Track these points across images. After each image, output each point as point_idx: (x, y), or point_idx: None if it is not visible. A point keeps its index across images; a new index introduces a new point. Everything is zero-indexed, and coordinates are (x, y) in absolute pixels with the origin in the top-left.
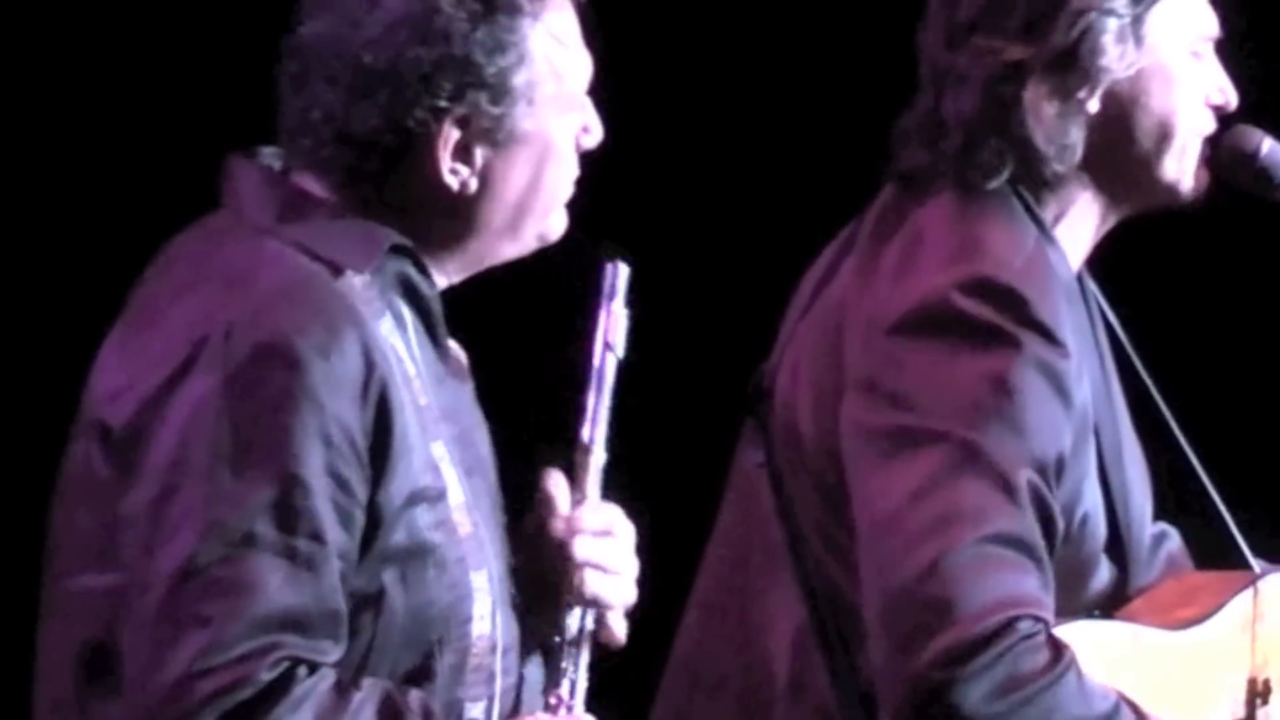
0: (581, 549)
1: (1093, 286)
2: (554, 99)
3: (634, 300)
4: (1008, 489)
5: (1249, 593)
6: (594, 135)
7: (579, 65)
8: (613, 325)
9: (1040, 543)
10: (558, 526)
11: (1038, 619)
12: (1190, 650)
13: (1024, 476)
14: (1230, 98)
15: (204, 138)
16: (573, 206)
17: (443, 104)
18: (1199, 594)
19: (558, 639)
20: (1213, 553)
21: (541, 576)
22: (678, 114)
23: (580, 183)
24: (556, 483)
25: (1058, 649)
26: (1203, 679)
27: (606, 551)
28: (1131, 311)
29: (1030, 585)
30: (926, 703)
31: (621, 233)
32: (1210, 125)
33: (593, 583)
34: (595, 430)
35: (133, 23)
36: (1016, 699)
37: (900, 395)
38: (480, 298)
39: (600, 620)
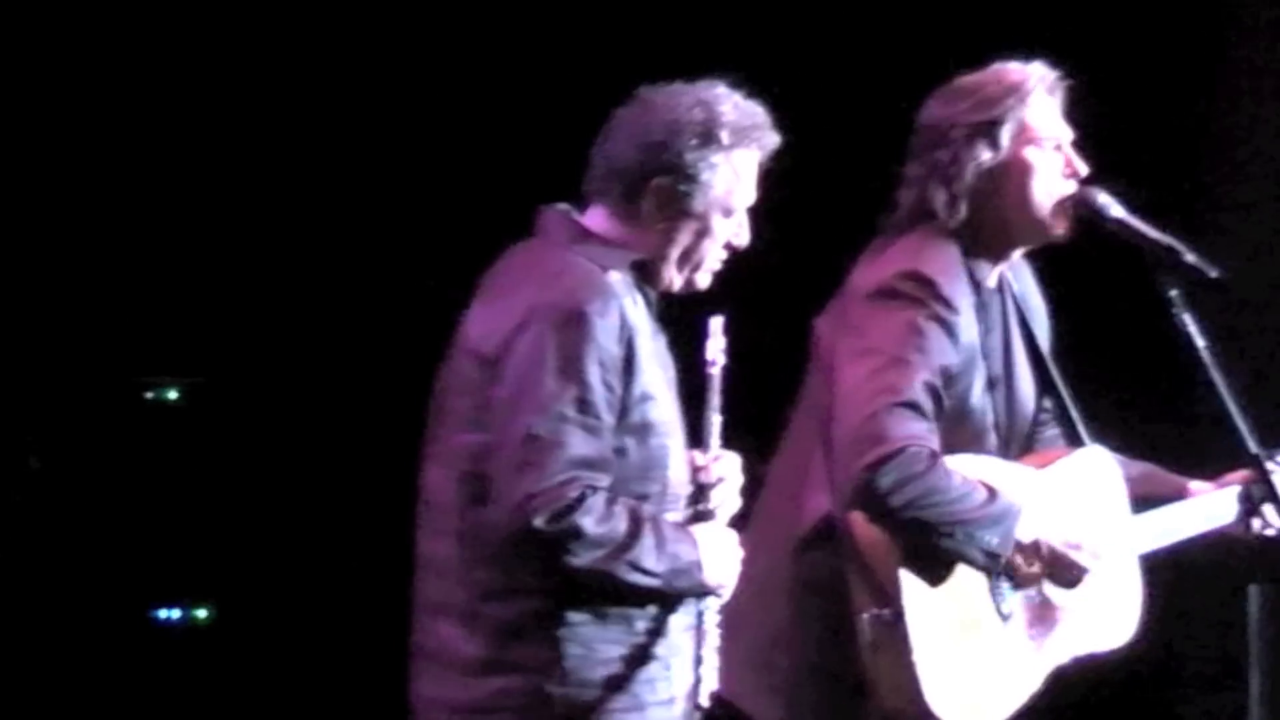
0: (708, 486)
1: (1018, 289)
2: (719, 203)
3: (727, 333)
4: (912, 380)
5: (1078, 454)
6: (741, 241)
7: (743, 192)
8: (714, 350)
9: (930, 408)
10: (698, 470)
11: (922, 445)
12: (1037, 476)
13: (923, 376)
14: (1079, 168)
15: (522, 190)
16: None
17: (656, 168)
18: (1051, 456)
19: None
20: (1071, 441)
21: None
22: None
23: None
24: (697, 454)
25: (935, 457)
26: (1044, 491)
27: (721, 491)
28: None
29: (921, 429)
30: (861, 490)
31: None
32: (1067, 189)
33: (713, 503)
34: (714, 413)
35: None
36: (911, 485)
37: (863, 330)
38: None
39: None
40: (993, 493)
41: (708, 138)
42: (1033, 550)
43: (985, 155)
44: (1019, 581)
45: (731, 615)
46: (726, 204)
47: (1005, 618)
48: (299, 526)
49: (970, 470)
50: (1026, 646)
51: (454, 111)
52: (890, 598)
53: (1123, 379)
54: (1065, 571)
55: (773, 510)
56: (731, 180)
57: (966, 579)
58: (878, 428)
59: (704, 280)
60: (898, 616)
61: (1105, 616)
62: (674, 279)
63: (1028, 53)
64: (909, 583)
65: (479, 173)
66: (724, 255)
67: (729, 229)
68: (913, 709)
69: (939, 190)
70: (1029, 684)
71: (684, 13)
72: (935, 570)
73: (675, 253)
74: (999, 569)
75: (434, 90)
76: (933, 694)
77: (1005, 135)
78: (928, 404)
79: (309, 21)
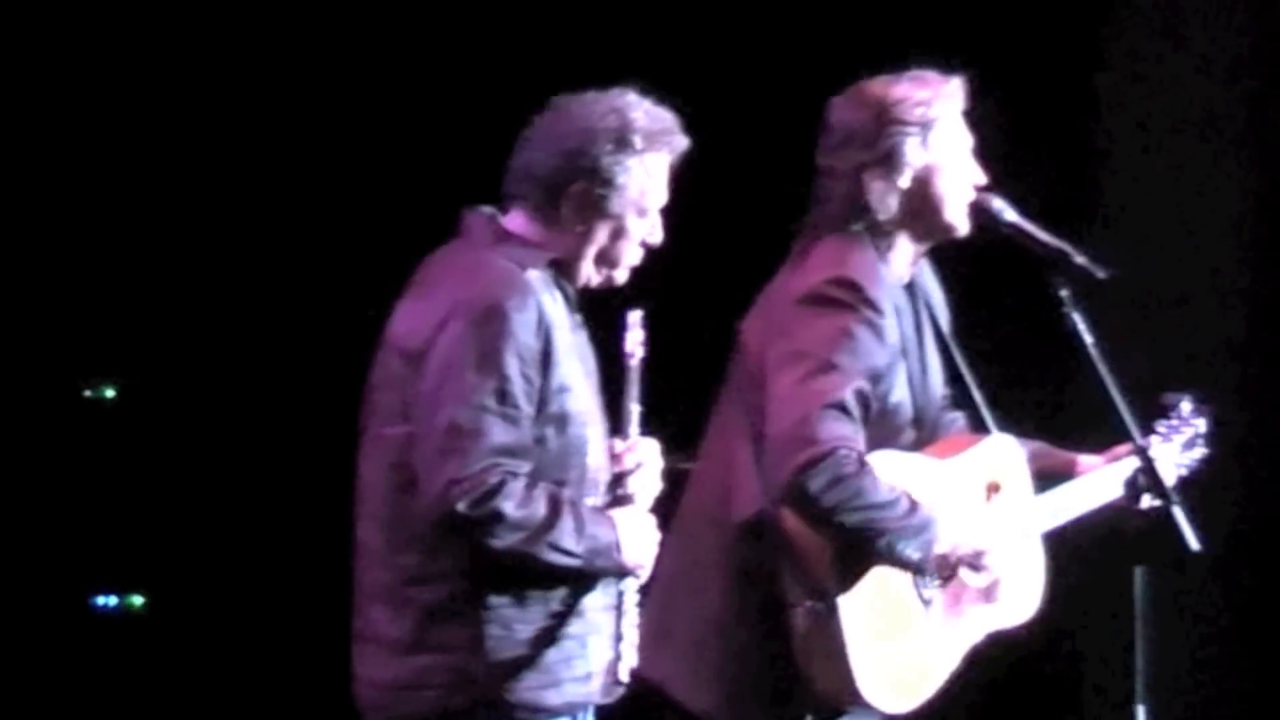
0: (627, 472)
1: (923, 284)
2: (634, 204)
3: (646, 327)
4: (843, 384)
5: (986, 443)
6: (654, 239)
7: (656, 193)
8: (633, 342)
9: (859, 412)
10: (617, 456)
11: (851, 448)
12: (950, 469)
13: (854, 380)
14: (980, 177)
15: (449, 197)
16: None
17: (574, 174)
18: (961, 444)
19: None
20: (974, 426)
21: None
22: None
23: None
24: (616, 441)
25: (863, 462)
26: (957, 484)
27: (640, 476)
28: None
29: (849, 431)
30: (793, 490)
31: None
32: (971, 194)
33: (632, 488)
34: (633, 402)
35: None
36: (840, 487)
37: (795, 334)
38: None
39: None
40: (914, 504)
41: (621, 143)
42: (946, 558)
43: (918, 156)
44: (936, 582)
45: (664, 604)
46: (641, 205)
47: (926, 604)
48: (231, 517)
49: (889, 468)
50: (945, 629)
51: (383, 120)
52: (823, 590)
53: (1011, 358)
54: (976, 574)
55: (702, 503)
56: (645, 182)
57: (891, 571)
58: (809, 430)
59: (621, 276)
60: (830, 608)
61: (1013, 595)
62: (591, 276)
63: (917, 55)
64: (839, 576)
65: (409, 177)
66: (640, 252)
67: (644, 228)
68: (845, 694)
69: (875, 185)
70: (949, 663)
71: (597, 22)
72: (863, 564)
73: (592, 251)
74: (918, 573)
75: (362, 100)
76: (864, 680)
77: (934, 138)
78: (857, 408)
79: (234, 34)
